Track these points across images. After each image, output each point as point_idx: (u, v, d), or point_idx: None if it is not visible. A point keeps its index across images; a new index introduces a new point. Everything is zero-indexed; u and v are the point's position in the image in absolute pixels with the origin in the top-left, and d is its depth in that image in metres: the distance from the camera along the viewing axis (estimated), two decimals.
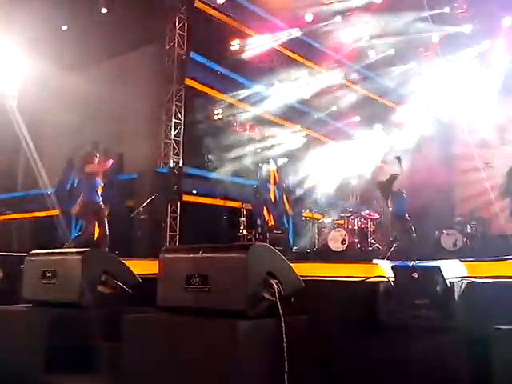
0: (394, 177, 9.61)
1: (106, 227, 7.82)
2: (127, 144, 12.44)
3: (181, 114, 12.56)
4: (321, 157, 15.11)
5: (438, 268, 2.60)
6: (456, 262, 2.86)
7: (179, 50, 12.71)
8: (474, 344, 2.55)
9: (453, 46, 12.80)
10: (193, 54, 12.58)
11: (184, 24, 12.78)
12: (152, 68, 13.04)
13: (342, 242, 10.31)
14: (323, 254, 10.48)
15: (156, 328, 2.85)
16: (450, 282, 2.60)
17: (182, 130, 12.51)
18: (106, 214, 8.26)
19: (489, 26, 12.67)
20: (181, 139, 12.44)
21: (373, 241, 10.21)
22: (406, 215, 9.46)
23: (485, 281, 2.79)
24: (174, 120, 12.38)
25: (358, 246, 10.54)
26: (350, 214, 11.19)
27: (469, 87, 13.17)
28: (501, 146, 13.22)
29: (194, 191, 11.96)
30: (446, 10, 12.59)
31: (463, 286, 2.60)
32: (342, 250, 10.27)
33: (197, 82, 12.54)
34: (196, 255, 2.79)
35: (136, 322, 2.93)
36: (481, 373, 2.48)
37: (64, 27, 12.41)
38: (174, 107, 12.42)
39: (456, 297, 2.57)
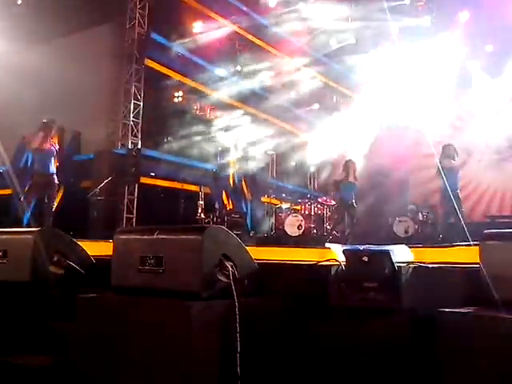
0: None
1: (54, 202, 7.71)
2: (85, 123, 12.16)
3: (140, 95, 12.35)
4: (281, 143, 15.22)
5: (387, 252, 2.68)
6: (404, 247, 2.96)
7: (139, 30, 12.45)
8: (419, 326, 2.66)
9: (411, 38, 13.04)
10: (153, 35, 12.35)
11: (145, 3, 12.52)
12: (112, 47, 12.75)
13: (299, 227, 10.46)
14: (280, 239, 10.61)
15: (108, 309, 2.84)
16: (397, 266, 2.69)
17: (141, 111, 12.32)
18: (61, 194, 8.12)
19: (446, 20, 12.97)
20: (140, 120, 12.26)
21: (328, 226, 10.40)
22: (353, 202, 9.63)
23: (431, 266, 2.90)
24: (133, 101, 12.18)
25: (314, 231, 10.71)
26: (307, 200, 11.35)
27: (426, 79, 13.47)
28: (454, 132, 13.60)
29: (152, 173, 11.84)
30: (407, 1, 12.80)
31: (410, 270, 2.70)
32: (299, 235, 10.42)
33: (157, 63, 12.34)
34: (151, 237, 2.79)
35: (88, 302, 2.91)
36: (426, 354, 2.59)
37: (19, 1, 11.94)
38: (133, 88, 12.20)
39: (403, 280, 2.66)
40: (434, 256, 3.56)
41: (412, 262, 2.82)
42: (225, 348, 2.65)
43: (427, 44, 13.39)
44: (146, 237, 2.84)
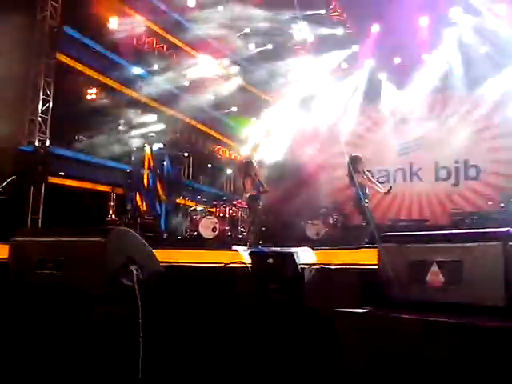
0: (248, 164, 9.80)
1: None
2: None
3: (50, 90, 11.78)
4: (198, 144, 15.18)
5: (291, 254, 2.75)
6: (308, 249, 3.05)
7: (51, 22, 11.89)
8: (320, 326, 2.75)
9: (325, 47, 13.49)
10: (67, 28, 11.84)
11: None
12: (20, 38, 12.06)
13: (213, 229, 10.46)
14: (194, 241, 10.56)
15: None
16: (301, 268, 2.77)
17: (51, 107, 11.75)
18: None
19: (359, 31, 13.53)
20: (49, 117, 11.69)
21: (242, 228, 10.48)
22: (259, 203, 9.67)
23: (333, 267, 3.01)
24: (41, 96, 11.59)
25: (229, 233, 10.76)
26: (222, 203, 11.37)
27: (337, 87, 14.00)
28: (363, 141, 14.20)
29: (62, 173, 11.34)
30: (322, 11, 13.21)
31: (313, 272, 2.79)
32: (213, 238, 10.42)
33: (70, 57, 11.84)
34: (50, 239, 2.68)
35: None
36: (327, 352, 2.68)
37: None
38: (42, 82, 11.62)
39: (306, 281, 2.74)
40: (339, 258, 3.69)
41: (315, 264, 2.91)
42: (128, 353, 2.60)
43: (340, 54, 13.93)
44: (45, 239, 2.72)
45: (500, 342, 2.05)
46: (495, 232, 2.40)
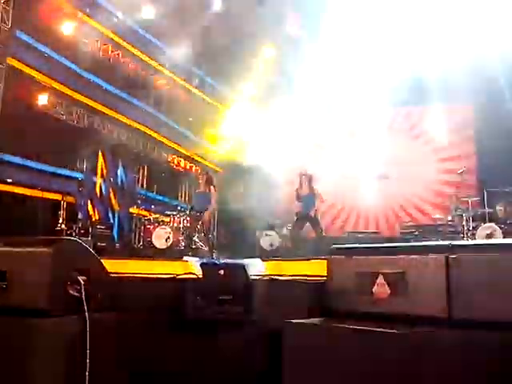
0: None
1: None
2: None
3: None
4: (154, 153, 15.04)
5: (243, 266, 2.77)
6: (258, 260, 3.08)
7: (3, 26, 11.56)
8: (269, 336, 2.77)
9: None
10: (18, 33, 11.55)
11: None
12: None
13: (167, 239, 10.34)
14: (146, 251, 10.42)
15: None
16: (252, 279, 2.79)
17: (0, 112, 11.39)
18: None
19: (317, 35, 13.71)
20: None
21: (196, 239, 10.41)
22: (207, 214, 9.74)
23: (283, 278, 3.04)
24: None
25: (182, 243, 10.66)
26: (176, 212, 11.27)
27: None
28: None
29: (9, 180, 10.97)
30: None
31: (263, 283, 2.81)
32: (166, 248, 10.30)
33: (21, 62, 11.54)
34: None
35: None
36: (275, 363, 2.70)
37: None
38: None
39: (256, 293, 2.76)
40: (290, 269, 3.73)
41: (266, 275, 2.93)
42: (74, 367, 2.54)
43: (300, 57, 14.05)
44: None
45: (443, 351, 2.13)
46: (437, 245, 2.50)
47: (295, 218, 9.37)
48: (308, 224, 9.32)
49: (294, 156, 12.25)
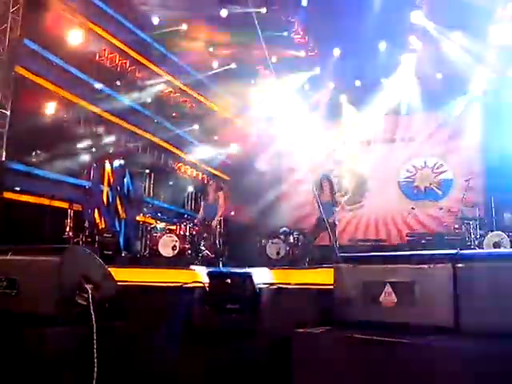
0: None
1: None
2: None
3: (7, 103, 11.53)
4: (160, 162, 15.09)
5: (249, 275, 2.77)
6: (265, 269, 3.08)
7: (11, 35, 11.68)
8: (277, 346, 2.77)
9: (288, 68, 13.71)
10: (27, 41, 11.65)
11: (19, 8, 11.79)
12: None
13: (173, 247, 10.33)
14: (153, 260, 10.41)
15: None
16: (259, 288, 2.78)
17: (8, 120, 11.48)
18: None
19: (321, 54, 13.85)
20: (5, 130, 11.41)
21: (202, 247, 10.40)
22: (215, 222, 9.72)
23: (290, 287, 3.04)
24: None
25: (189, 252, 10.65)
26: (183, 220, 11.27)
27: (299, 107, 14.22)
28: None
29: (17, 188, 11.04)
30: (285, 33, 13.45)
31: (270, 292, 2.81)
32: (173, 256, 10.29)
33: (30, 71, 11.63)
34: (3, 257, 2.62)
35: None
36: (283, 371, 2.69)
37: None
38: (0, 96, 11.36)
39: (263, 301, 2.76)
40: (297, 277, 3.72)
41: (273, 284, 2.93)
42: (82, 375, 2.55)
43: (302, 75, 14.20)
44: None
45: (447, 361, 2.12)
46: (445, 254, 2.49)
47: (314, 223, 9.04)
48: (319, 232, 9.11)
49: (303, 163, 12.25)
